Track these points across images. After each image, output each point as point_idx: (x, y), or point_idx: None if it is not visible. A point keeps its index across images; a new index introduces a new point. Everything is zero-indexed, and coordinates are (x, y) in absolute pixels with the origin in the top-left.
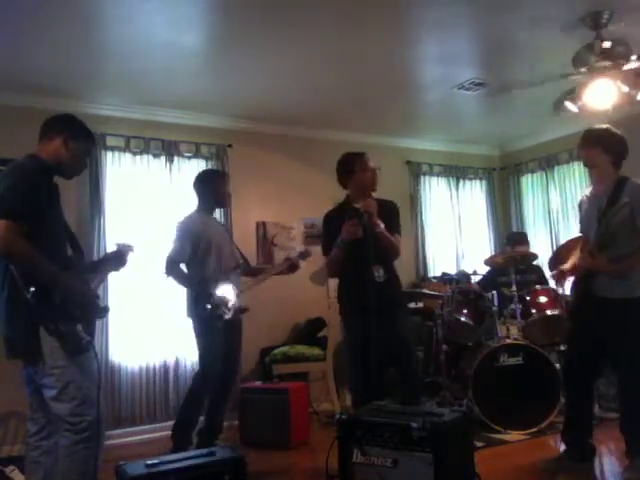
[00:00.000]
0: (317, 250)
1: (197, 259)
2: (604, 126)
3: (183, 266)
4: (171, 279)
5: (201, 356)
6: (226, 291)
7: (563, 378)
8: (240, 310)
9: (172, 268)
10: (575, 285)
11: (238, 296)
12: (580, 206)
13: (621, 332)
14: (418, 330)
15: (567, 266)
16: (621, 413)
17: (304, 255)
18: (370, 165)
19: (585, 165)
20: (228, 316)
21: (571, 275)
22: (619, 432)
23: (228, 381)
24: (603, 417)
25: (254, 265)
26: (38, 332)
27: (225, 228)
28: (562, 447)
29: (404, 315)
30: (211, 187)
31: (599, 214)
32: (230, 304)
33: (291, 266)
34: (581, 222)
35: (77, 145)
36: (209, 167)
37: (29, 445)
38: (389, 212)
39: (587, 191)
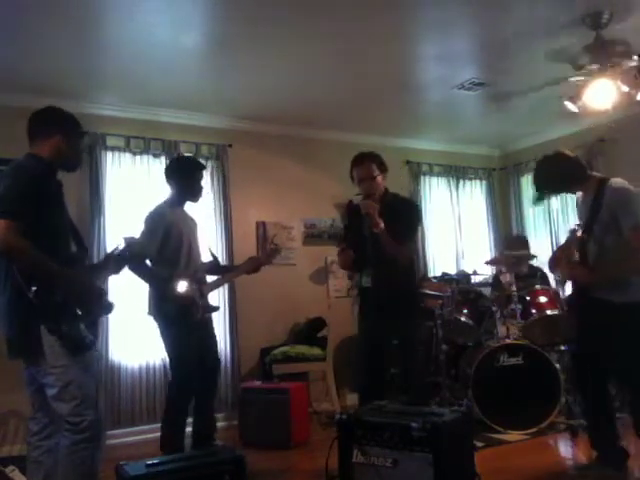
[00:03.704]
0: (316, 250)
1: (167, 255)
2: (538, 170)
3: (147, 262)
4: (134, 273)
5: (172, 360)
6: (197, 289)
7: (576, 383)
8: (210, 309)
9: (137, 263)
10: (573, 287)
11: (207, 294)
12: (577, 209)
13: (623, 336)
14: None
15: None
16: (634, 417)
17: (274, 252)
18: (362, 175)
19: None
20: (199, 315)
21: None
22: (624, 432)
23: (210, 379)
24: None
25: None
26: (39, 331)
27: (194, 222)
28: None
29: (405, 316)
30: (189, 178)
31: (586, 223)
32: (200, 303)
33: (256, 266)
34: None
35: (75, 137)
36: (209, 167)
37: (30, 445)
38: (393, 214)
39: (579, 195)
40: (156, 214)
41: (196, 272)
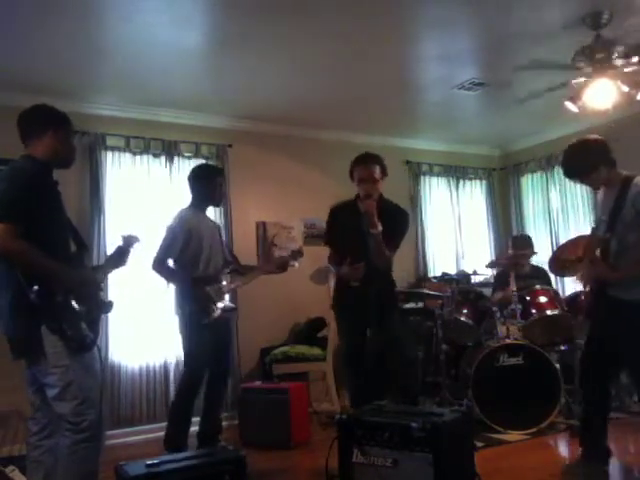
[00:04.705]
0: (317, 250)
1: (188, 257)
2: (569, 150)
3: (171, 262)
4: (157, 275)
5: (187, 356)
6: (215, 290)
7: (580, 379)
8: (229, 309)
9: (160, 264)
10: (590, 286)
11: (226, 295)
12: (595, 206)
13: (632, 334)
14: (418, 330)
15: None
16: None
17: (296, 255)
18: (363, 176)
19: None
20: (216, 315)
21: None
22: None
23: (220, 380)
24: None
25: (247, 264)
26: (40, 331)
27: (216, 225)
28: (562, 449)
29: (394, 317)
30: (209, 184)
31: (608, 221)
32: (219, 303)
33: (281, 266)
34: (596, 223)
35: (65, 132)
36: None
37: (30, 445)
38: (385, 219)
39: (600, 192)
40: (179, 219)
41: (217, 273)
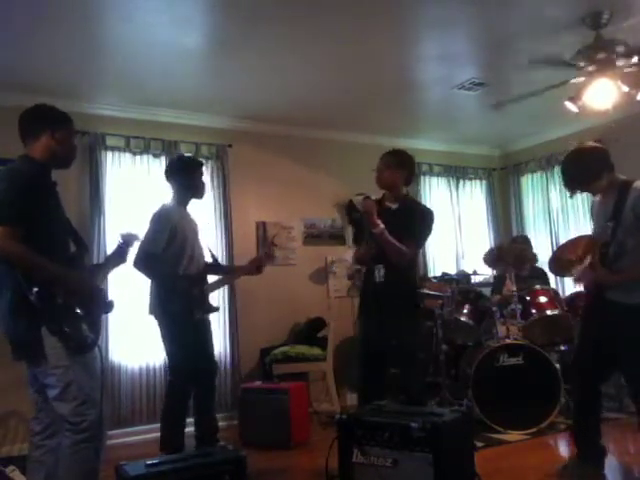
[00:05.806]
0: (316, 250)
1: (171, 254)
2: (569, 160)
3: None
4: (140, 271)
5: (171, 359)
6: (198, 290)
7: (574, 379)
8: (211, 309)
9: (144, 260)
10: (587, 288)
11: (208, 295)
12: (592, 210)
13: (632, 337)
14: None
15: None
16: None
17: (268, 256)
18: (376, 167)
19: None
20: (199, 315)
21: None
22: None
23: (210, 380)
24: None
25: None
26: (40, 333)
27: (195, 223)
28: (562, 449)
29: (405, 317)
30: (192, 177)
31: (612, 226)
32: (202, 303)
33: (258, 267)
34: (594, 229)
35: (63, 133)
36: (209, 167)
37: (32, 444)
38: (407, 216)
39: (597, 196)
40: (163, 213)
41: (198, 273)
